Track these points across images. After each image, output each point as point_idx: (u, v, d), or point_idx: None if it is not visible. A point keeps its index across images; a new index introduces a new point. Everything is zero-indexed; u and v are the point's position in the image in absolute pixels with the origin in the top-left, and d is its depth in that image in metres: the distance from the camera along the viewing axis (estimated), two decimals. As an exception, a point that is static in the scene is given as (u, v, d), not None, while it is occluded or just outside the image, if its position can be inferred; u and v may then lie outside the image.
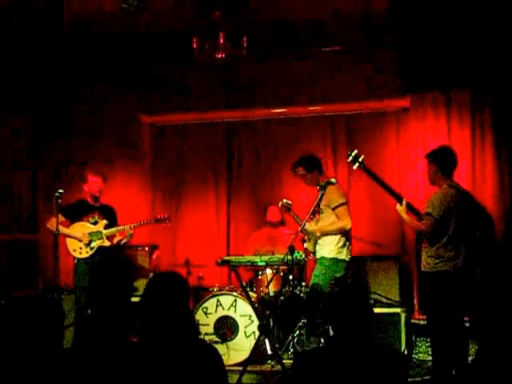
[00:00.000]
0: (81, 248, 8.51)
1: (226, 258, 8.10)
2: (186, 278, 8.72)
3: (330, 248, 7.68)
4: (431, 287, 6.65)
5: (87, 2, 8.65)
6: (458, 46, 9.03)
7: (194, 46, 8.43)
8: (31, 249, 9.72)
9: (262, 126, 10.34)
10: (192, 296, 8.98)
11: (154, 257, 9.59)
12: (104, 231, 8.57)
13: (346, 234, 7.80)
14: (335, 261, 7.64)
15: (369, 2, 8.70)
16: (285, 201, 8.02)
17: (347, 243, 7.78)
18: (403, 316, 8.05)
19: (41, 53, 9.73)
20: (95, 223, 8.62)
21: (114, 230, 8.63)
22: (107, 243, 8.58)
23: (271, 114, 10.26)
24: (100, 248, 8.54)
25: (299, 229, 7.55)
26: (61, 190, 8.11)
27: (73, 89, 10.54)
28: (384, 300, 8.27)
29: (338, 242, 7.70)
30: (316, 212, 7.75)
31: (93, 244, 8.51)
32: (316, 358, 4.04)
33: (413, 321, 8.17)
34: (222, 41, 8.38)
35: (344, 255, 7.72)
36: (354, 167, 7.24)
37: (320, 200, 7.47)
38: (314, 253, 7.92)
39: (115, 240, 8.68)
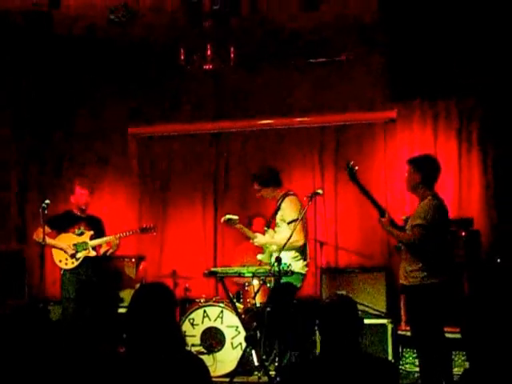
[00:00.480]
0: (66, 259, 8.46)
1: (213, 269, 8.09)
2: (173, 289, 8.71)
3: (284, 261, 7.59)
4: (420, 300, 6.56)
5: (78, 10, 8.61)
6: (445, 57, 9.05)
7: (182, 57, 8.43)
8: (18, 259, 9.68)
9: (250, 137, 10.34)
10: (179, 307, 8.97)
11: (140, 268, 9.59)
12: (90, 242, 8.52)
13: (299, 248, 7.74)
14: (284, 272, 7.54)
15: (357, 14, 8.71)
16: (227, 217, 7.91)
17: (302, 256, 7.74)
18: (390, 327, 8.07)
19: (39, 55, 9.71)
20: (81, 234, 8.55)
21: (99, 240, 8.57)
22: (93, 254, 8.51)
23: (259, 125, 10.25)
24: (85, 259, 8.48)
25: (251, 241, 7.67)
26: (47, 201, 8.10)
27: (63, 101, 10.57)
28: (371, 311, 8.27)
29: (294, 256, 7.66)
30: (270, 224, 7.81)
31: (78, 255, 8.46)
32: (305, 369, 4.04)
33: (399, 332, 8.18)
34: (209, 52, 8.40)
35: (299, 268, 7.67)
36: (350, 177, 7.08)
37: (275, 213, 7.54)
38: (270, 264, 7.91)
39: (102, 250, 8.62)
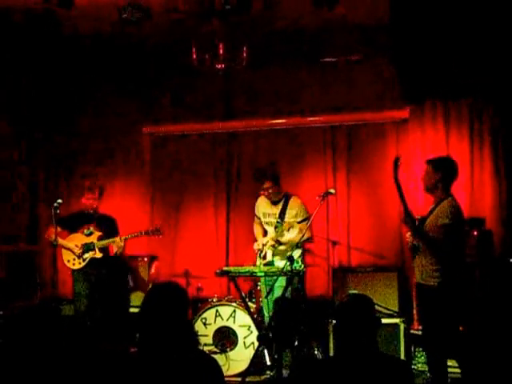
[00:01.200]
0: (74, 259, 8.49)
1: (225, 268, 8.09)
2: (186, 288, 8.70)
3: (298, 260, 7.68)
4: (438, 301, 6.47)
5: (86, 9, 8.60)
6: (457, 56, 9.02)
7: (194, 56, 8.42)
8: (30, 259, 9.70)
9: (261, 137, 10.33)
10: (191, 307, 8.97)
11: (153, 268, 9.58)
12: (96, 243, 8.50)
13: (302, 245, 7.83)
14: (296, 272, 7.63)
15: (369, 13, 8.69)
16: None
17: (303, 254, 7.82)
18: (402, 326, 8.05)
19: (41, 54, 9.72)
20: (90, 234, 8.54)
21: (105, 241, 8.53)
22: (99, 255, 8.49)
23: (271, 125, 10.25)
24: (92, 260, 8.49)
25: (268, 240, 7.69)
26: (60, 201, 8.13)
27: (73, 99, 10.58)
28: (383, 310, 8.26)
29: (299, 255, 7.72)
30: (280, 224, 7.81)
31: (85, 255, 8.47)
32: (320, 366, 4.05)
33: (412, 331, 8.17)
34: (221, 51, 8.39)
35: (302, 266, 7.76)
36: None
37: (283, 212, 7.56)
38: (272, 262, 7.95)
39: (114, 251, 8.60)
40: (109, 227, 8.66)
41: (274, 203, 8.01)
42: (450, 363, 6.68)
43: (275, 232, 7.96)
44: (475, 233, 8.25)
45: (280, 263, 7.71)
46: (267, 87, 10.19)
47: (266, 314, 8.00)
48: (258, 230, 8.36)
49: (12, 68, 9.87)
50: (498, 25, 8.51)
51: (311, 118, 10.06)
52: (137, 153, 10.61)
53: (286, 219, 7.72)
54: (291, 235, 7.70)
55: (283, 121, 10.17)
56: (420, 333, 7.63)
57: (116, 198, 10.48)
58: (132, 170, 10.63)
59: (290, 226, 7.73)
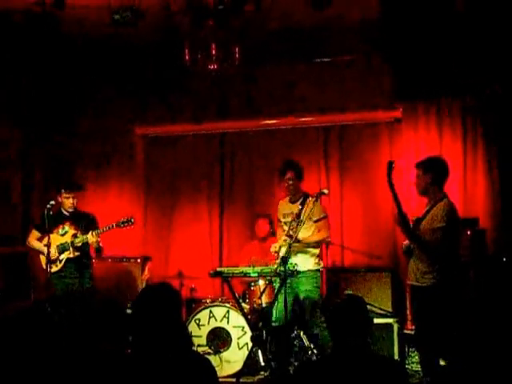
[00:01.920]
0: (47, 263, 8.01)
1: (219, 269, 8.07)
2: (179, 289, 8.70)
3: (314, 260, 7.71)
4: (431, 302, 6.48)
5: (81, 10, 8.59)
6: (449, 56, 9.06)
7: (187, 57, 8.41)
8: (24, 261, 9.66)
9: (255, 137, 10.34)
10: (185, 308, 8.97)
11: (146, 269, 9.55)
12: (71, 241, 8.15)
13: (320, 246, 7.85)
14: (318, 272, 7.67)
15: (361, 12, 8.68)
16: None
17: (321, 254, 7.87)
18: (396, 326, 8.06)
19: (41, 55, 9.70)
20: (64, 234, 8.22)
21: (78, 240, 8.14)
22: (74, 254, 8.14)
23: (264, 125, 10.26)
24: (68, 260, 8.17)
25: (285, 238, 7.62)
26: (52, 202, 8.00)
27: (67, 101, 10.57)
28: (377, 310, 8.26)
29: (318, 254, 7.75)
30: (295, 222, 7.77)
31: (61, 257, 8.14)
32: (317, 368, 4.05)
33: (405, 331, 8.18)
34: (214, 52, 8.37)
35: (322, 266, 7.78)
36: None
37: (305, 212, 7.53)
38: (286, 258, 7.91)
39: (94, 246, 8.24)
40: (86, 224, 8.30)
41: (293, 202, 7.97)
42: (443, 363, 6.68)
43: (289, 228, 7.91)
44: (468, 233, 8.25)
45: (295, 260, 7.66)
46: (260, 88, 10.18)
47: (276, 314, 7.87)
48: (279, 233, 8.27)
49: (12, 68, 9.84)
50: (491, 23, 8.53)
51: (304, 119, 10.08)
52: (130, 154, 10.60)
53: (302, 218, 7.69)
54: (307, 233, 7.70)
55: (276, 121, 10.18)
56: (413, 333, 7.64)
57: (110, 200, 10.48)
58: (126, 171, 10.61)
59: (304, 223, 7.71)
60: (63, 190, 8.28)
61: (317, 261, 7.75)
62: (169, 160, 10.56)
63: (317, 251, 7.80)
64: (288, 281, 7.51)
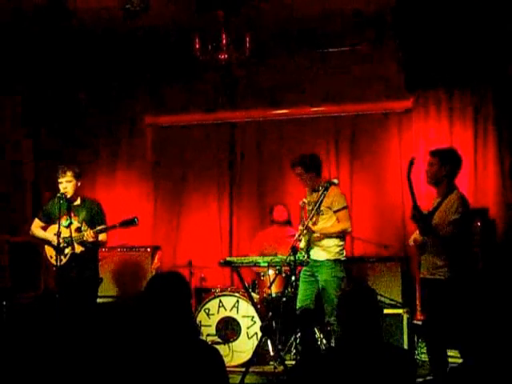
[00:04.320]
0: (56, 255, 7.54)
1: (229, 258, 8.05)
2: (189, 279, 8.71)
3: (334, 250, 7.63)
4: (445, 295, 6.41)
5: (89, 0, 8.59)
6: (460, 46, 9.01)
7: (197, 46, 8.40)
8: (33, 251, 9.68)
9: (265, 127, 10.34)
10: (194, 297, 8.99)
11: (156, 258, 9.56)
12: (74, 236, 7.60)
13: (344, 237, 7.80)
14: (338, 262, 7.59)
15: (373, 1, 8.65)
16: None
17: (344, 245, 7.78)
18: (405, 317, 8.06)
19: (50, 46, 9.70)
20: (69, 225, 7.65)
21: (78, 235, 7.60)
22: (79, 249, 7.61)
23: (275, 115, 10.25)
24: (72, 255, 7.60)
25: (301, 228, 7.53)
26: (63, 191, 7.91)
27: (78, 89, 10.59)
28: (387, 301, 8.26)
29: (339, 245, 7.67)
30: (317, 213, 7.71)
31: (66, 250, 7.58)
32: (325, 357, 4.06)
33: (415, 321, 8.17)
34: (224, 41, 8.36)
35: (343, 256, 7.71)
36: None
37: (321, 201, 7.46)
38: (307, 252, 7.90)
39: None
40: (91, 216, 7.84)
41: (314, 191, 7.93)
42: (450, 353, 6.67)
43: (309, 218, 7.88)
44: (478, 223, 8.23)
45: (314, 249, 7.65)
46: (271, 77, 10.16)
47: (298, 303, 7.82)
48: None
49: (23, 56, 9.86)
50: (505, 11, 8.48)
51: (315, 109, 10.06)
52: (140, 143, 10.60)
53: (322, 207, 7.67)
54: (326, 224, 7.67)
55: (286, 111, 10.17)
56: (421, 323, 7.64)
57: (119, 189, 10.50)
58: (135, 160, 10.61)
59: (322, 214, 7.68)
60: (58, 172, 7.81)
61: (337, 250, 7.60)
62: (179, 149, 10.56)
63: (338, 241, 7.60)
64: (309, 269, 7.54)
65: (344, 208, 7.66)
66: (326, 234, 7.60)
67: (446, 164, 6.64)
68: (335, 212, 7.64)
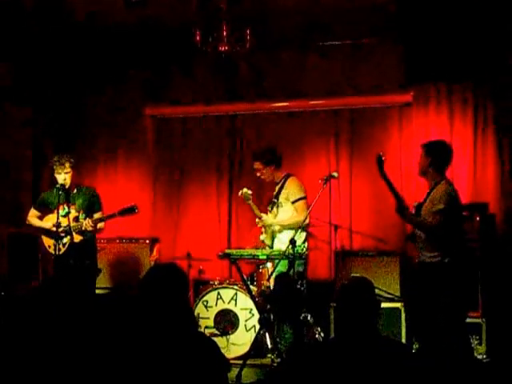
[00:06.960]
0: (55, 244, 7.56)
1: (227, 251, 8.08)
2: (187, 271, 8.72)
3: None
4: (437, 276, 6.58)
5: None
6: (461, 40, 9.01)
7: (197, 38, 8.38)
8: (32, 242, 9.66)
9: (265, 119, 10.32)
10: (192, 289, 8.99)
11: (155, 250, 9.55)
12: (72, 225, 7.56)
13: (306, 229, 7.77)
14: (298, 255, 7.51)
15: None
16: (245, 190, 8.06)
17: (307, 238, 7.78)
18: (403, 311, 8.05)
19: (54, 37, 9.69)
20: (66, 215, 7.58)
21: (76, 224, 7.58)
22: (78, 238, 7.60)
23: (274, 108, 10.23)
24: (70, 245, 7.58)
25: (256, 220, 7.60)
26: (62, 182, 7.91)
27: (79, 80, 10.57)
28: (385, 295, 8.25)
29: (303, 238, 7.68)
30: (274, 205, 7.76)
31: (64, 240, 7.58)
32: (320, 349, 4.06)
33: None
34: (225, 33, 8.33)
35: (305, 250, 7.69)
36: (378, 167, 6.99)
37: (279, 193, 7.51)
38: (271, 246, 7.94)
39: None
40: (87, 202, 7.84)
41: (276, 184, 7.99)
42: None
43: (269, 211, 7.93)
44: (477, 218, 8.22)
45: (275, 241, 7.67)
46: (270, 70, 10.15)
47: None
48: None
49: (24, 49, 9.85)
50: (505, 5, 8.47)
51: (314, 102, 10.04)
52: (139, 134, 10.59)
53: (280, 199, 7.71)
54: (286, 215, 7.68)
55: (286, 104, 10.16)
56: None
57: (119, 180, 10.50)
58: (135, 152, 10.61)
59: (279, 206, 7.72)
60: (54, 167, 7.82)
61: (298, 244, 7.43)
62: (178, 141, 10.56)
63: (293, 233, 7.45)
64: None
65: (300, 199, 7.68)
66: (283, 226, 7.64)
67: (428, 154, 6.80)
68: (293, 203, 7.68)
